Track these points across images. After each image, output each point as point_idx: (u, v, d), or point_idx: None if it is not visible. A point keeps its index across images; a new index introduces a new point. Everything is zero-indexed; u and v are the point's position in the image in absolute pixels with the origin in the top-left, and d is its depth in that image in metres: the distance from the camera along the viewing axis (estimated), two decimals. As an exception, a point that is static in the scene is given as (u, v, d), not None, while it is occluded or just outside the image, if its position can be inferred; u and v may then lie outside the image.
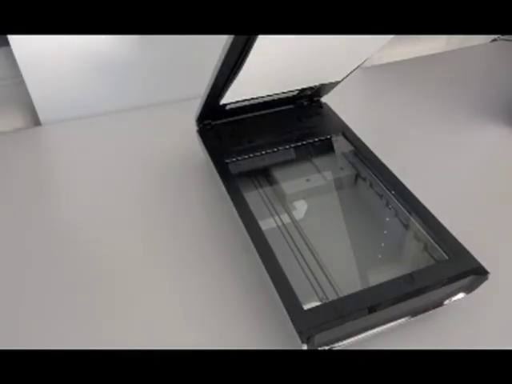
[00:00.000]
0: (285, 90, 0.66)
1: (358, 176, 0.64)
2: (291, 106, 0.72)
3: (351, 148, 0.65)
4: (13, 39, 0.72)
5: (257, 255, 0.51)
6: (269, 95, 0.66)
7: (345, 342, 0.46)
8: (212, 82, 0.55)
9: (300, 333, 0.44)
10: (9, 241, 0.61)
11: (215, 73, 0.53)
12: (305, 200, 0.62)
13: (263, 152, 0.64)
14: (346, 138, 0.66)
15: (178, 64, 0.84)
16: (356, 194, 0.61)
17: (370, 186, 0.61)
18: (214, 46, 0.51)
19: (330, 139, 0.67)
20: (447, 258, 0.50)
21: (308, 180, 0.65)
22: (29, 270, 0.57)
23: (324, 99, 0.73)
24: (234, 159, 0.63)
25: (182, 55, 0.83)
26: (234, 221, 0.58)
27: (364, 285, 0.52)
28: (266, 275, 0.49)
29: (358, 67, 0.64)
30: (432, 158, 0.73)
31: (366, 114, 0.84)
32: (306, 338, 0.43)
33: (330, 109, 0.72)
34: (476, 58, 1.03)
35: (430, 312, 0.49)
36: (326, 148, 0.67)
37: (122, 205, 0.66)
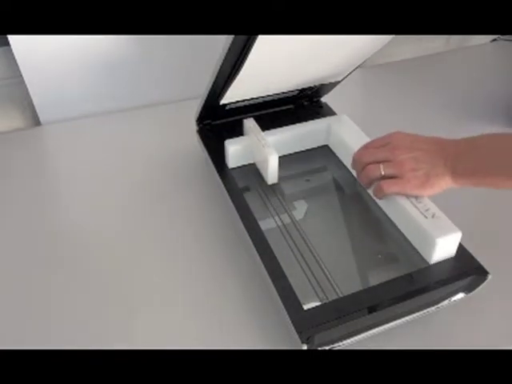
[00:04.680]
0: (285, 90, 0.66)
1: (357, 176, 0.64)
2: (291, 106, 0.72)
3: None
4: (13, 39, 0.72)
5: (257, 255, 0.51)
6: (269, 95, 0.66)
7: (345, 342, 0.46)
8: (212, 82, 0.55)
9: (300, 333, 0.44)
10: (9, 240, 0.61)
11: (215, 73, 0.53)
12: (305, 200, 0.62)
13: (263, 152, 0.64)
14: (346, 138, 0.67)
15: (178, 64, 0.84)
16: (356, 194, 0.61)
17: (370, 185, 0.61)
18: (214, 46, 0.51)
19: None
20: (447, 257, 0.50)
21: (308, 180, 0.65)
22: (29, 269, 0.57)
23: (324, 99, 0.73)
24: (234, 159, 0.63)
25: (181, 55, 0.83)
26: (233, 221, 0.58)
27: (364, 285, 0.52)
28: (266, 275, 0.49)
29: (357, 67, 0.64)
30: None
31: (365, 113, 0.84)
32: (305, 338, 0.43)
33: (330, 109, 0.72)
34: (476, 58, 1.03)
35: (430, 312, 0.49)
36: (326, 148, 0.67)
37: (121, 204, 0.66)
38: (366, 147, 0.56)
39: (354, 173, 0.61)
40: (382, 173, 0.52)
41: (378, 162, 0.53)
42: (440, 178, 0.49)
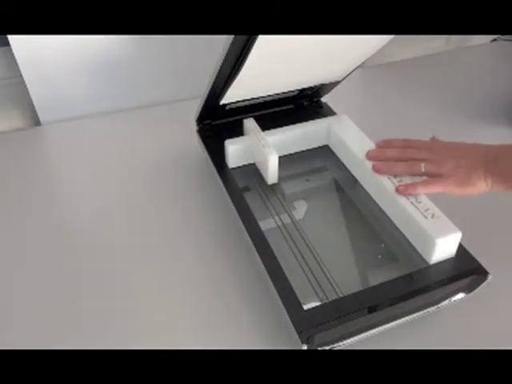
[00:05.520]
0: (285, 90, 0.66)
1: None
2: (291, 106, 0.72)
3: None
4: (13, 39, 0.72)
5: (256, 255, 0.51)
6: (269, 95, 0.66)
7: (345, 342, 0.46)
8: (212, 82, 0.55)
9: (300, 333, 0.44)
10: (9, 240, 0.61)
11: (215, 73, 0.53)
12: (305, 200, 0.62)
13: (263, 152, 0.64)
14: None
15: (178, 64, 0.84)
16: (356, 194, 0.61)
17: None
18: (214, 46, 0.51)
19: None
20: (447, 257, 0.50)
21: (308, 180, 0.65)
22: (28, 268, 0.57)
23: (324, 99, 0.73)
24: (234, 159, 0.63)
25: (181, 55, 0.83)
26: (233, 221, 0.58)
27: (364, 285, 0.52)
28: (266, 275, 0.49)
29: (357, 67, 0.64)
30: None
31: (365, 113, 0.84)
32: (305, 338, 0.43)
33: (330, 109, 0.72)
34: (476, 58, 1.03)
35: (430, 312, 0.49)
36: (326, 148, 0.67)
37: (121, 204, 0.66)
38: (401, 144, 0.57)
39: (353, 173, 0.61)
40: (423, 170, 0.53)
41: (419, 160, 0.53)
42: (481, 178, 0.50)
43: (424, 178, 0.53)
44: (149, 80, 0.84)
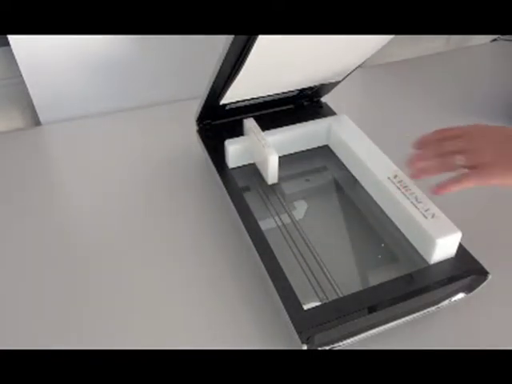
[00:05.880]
0: (285, 90, 0.66)
1: (357, 176, 0.64)
2: (291, 106, 0.72)
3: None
4: (13, 39, 0.72)
5: (256, 255, 0.51)
6: (269, 95, 0.66)
7: (345, 342, 0.46)
8: (212, 82, 0.55)
9: (300, 333, 0.44)
10: (8, 240, 0.61)
11: (215, 73, 0.53)
12: (305, 200, 0.62)
13: (263, 152, 0.64)
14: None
15: (178, 64, 0.84)
16: (356, 194, 0.61)
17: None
18: (214, 46, 0.51)
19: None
20: (447, 257, 0.50)
21: (308, 180, 0.65)
22: (28, 268, 0.57)
23: (324, 99, 0.73)
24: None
25: (181, 55, 0.83)
26: (233, 221, 0.58)
27: (364, 285, 0.52)
28: (266, 275, 0.49)
29: (357, 67, 0.64)
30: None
31: (365, 114, 0.84)
32: (305, 338, 0.43)
33: (330, 109, 0.72)
34: (476, 57, 1.03)
35: (430, 312, 0.49)
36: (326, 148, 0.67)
37: (121, 204, 0.66)
38: (437, 137, 0.52)
39: (353, 173, 0.61)
40: (462, 163, 0.48)
41: (455, 152, 0.49)
42: None
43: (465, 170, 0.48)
44: (149, 80, 0.84)
